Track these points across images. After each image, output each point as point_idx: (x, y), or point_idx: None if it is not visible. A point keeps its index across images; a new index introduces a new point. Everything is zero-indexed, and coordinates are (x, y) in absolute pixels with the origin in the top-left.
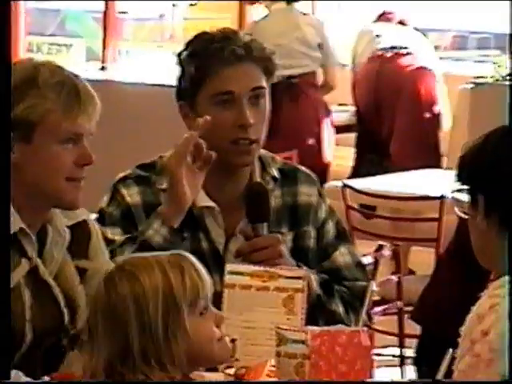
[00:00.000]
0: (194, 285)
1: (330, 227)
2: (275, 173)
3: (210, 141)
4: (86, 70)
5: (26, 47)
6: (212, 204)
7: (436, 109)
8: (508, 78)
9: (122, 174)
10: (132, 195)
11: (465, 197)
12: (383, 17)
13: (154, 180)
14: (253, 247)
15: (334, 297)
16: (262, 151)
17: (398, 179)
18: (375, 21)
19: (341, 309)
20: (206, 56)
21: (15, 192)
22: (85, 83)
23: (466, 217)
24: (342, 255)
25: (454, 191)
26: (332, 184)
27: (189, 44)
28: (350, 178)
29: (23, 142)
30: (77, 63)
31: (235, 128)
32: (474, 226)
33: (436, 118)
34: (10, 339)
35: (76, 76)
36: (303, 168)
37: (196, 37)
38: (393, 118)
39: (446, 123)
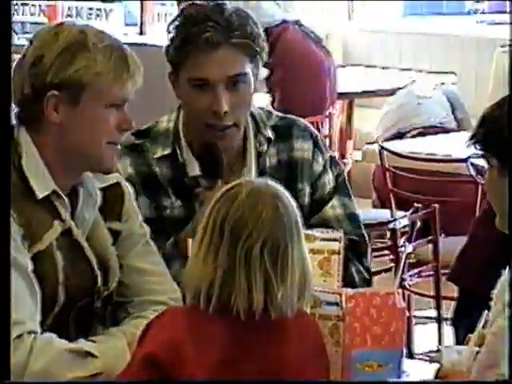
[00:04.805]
0: None
1: (328, 180)
2: (269, 133)
3: (190, 119)
4: (124, 34)
5: (66, 12)
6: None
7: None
8: None
9: None
10: (124, 168)
11: (481, 161)
12: None
13: (147, 148)
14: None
15: None
16: (256, 110)
17: (438, 141)
18: None
19: None
20: (184, 40)
21: (51, 153)
22: (129, 49)
23: (483, 181)
24: (332, 208)
25: (476, 156)
26: (369, 147)
27: (175, 19)
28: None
29: (70, 104)
30: (116, 28)
31: (210, 113)
32: (503, 190)
33: None
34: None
35: (120, 41)
36: (301, 121)
37: (182, 12)
38: None
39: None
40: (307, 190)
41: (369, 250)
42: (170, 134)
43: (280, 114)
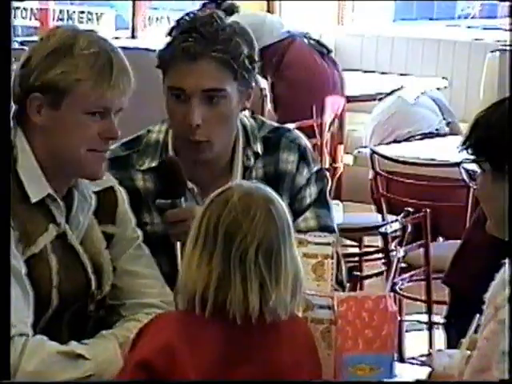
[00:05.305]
0: None
1: (309, 193)
2: (258, 147)
3: (171, 128)
4: (115, 39)
5: (57, 15)
6: (190, 185)
7: None
8: None
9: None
10: None
11: (473, 166)
12: None
13: (133, 161)
14: (169, 220)
15: None
16: (248, 121)
17: (429, 145)
18: None
19: None
20: (168, 48)
21: (42, 156)
22: (121, 57)
23: (475, 186)
24: (305, 220)
25: (468, 161)
26: (361, 151)
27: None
28: None
29: (51, 108)
30: (107, 32)
31: (184, 125)
32: (496, 195)
33: None
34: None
35: (114, 49)
36: (291, 133)
37: (180, 19)
38: None
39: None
40: (285, 202)
41: (343, 264)
42: (159, 145)
43: (274, 125)
